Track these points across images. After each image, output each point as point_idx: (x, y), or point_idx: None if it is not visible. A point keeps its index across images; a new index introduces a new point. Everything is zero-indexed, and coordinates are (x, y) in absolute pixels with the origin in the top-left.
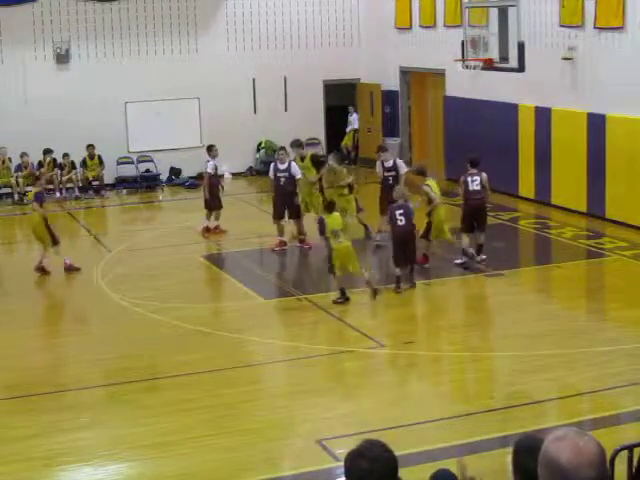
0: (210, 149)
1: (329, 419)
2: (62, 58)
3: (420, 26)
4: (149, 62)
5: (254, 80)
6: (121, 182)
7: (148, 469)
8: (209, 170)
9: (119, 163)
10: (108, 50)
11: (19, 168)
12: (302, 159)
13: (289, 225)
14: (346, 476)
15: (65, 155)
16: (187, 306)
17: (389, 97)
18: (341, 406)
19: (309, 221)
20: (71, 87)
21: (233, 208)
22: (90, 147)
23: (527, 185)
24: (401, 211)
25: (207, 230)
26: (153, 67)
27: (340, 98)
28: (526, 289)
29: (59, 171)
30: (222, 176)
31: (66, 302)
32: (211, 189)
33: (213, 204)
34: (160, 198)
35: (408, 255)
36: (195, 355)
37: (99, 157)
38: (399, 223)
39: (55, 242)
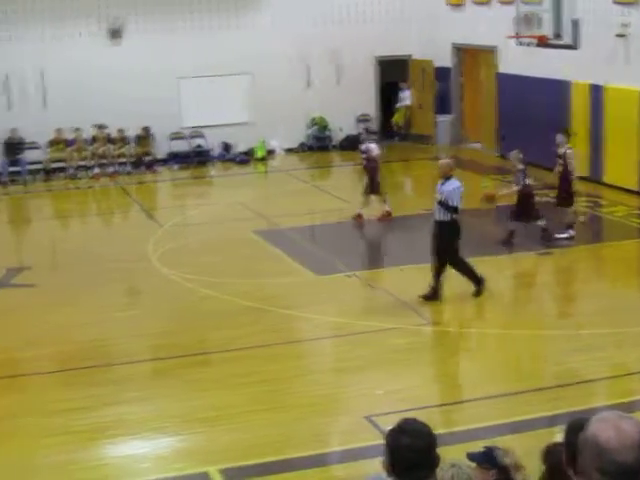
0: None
1: (377, 395)
2: (116, 33)
3: (473, 2)
4: (202, 38)
5: (306, 56)
6: (173, 157)
7: (195, 443)
8: (376, 152)
9: (171, 138)
10: (161, 26)
11: (72, 143)
12: None
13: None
14: (388, 453)
15: (119, 130)
16: (237, 281)
17: (441, 74)
18: (389, 382)
19: None
20: (124, 62)
21: (285, 184)
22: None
23: (579, 163)
24: None
25: (388, 214)
26: (206, 42)
27: (392, 74)
28: (576, 267)
29: (111, 146)
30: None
31: (118, 276)
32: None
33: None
34: (211, 173)
35: None
36: (245, 330)
37: (151, 135)
38: None
39: None
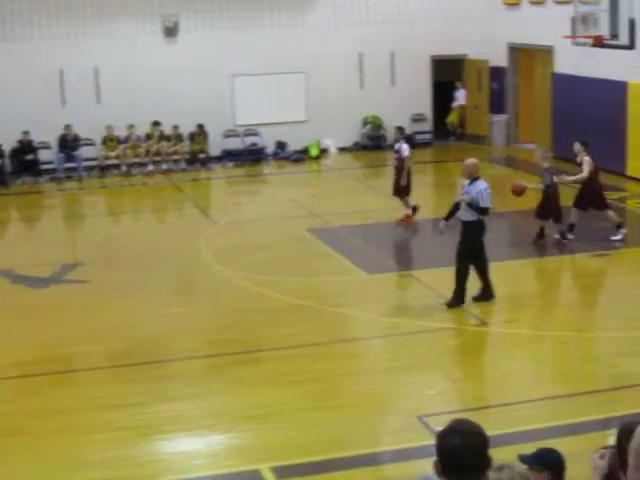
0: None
1: (429, 396)
2: (170, 31)
3: (529, 2)
4: (257, 36)
5: (361, 55)
6: (227, 155)
7: (247, 441)
8: (407, 153)
9: (226, 136)
10: (216, 23)
11: (126, 140)
12: None
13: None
14: (439, 453)
15: (174, 127)
16: (290, 279)
17: (496, 73)
18: (442, 383)
19: None
20: (179, 60)
21: (338, 183)
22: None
23: (635, 164)
24: None
25: (414, 210)
26: (261, 41)
27: (447, 74)
28: (631, 269)
29: (165, 143)
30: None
31: (171, 273)
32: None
33: (403, 190)
34: (265, 171)
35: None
36: (297, 328)
37: (205, 133)
38: None
39: None
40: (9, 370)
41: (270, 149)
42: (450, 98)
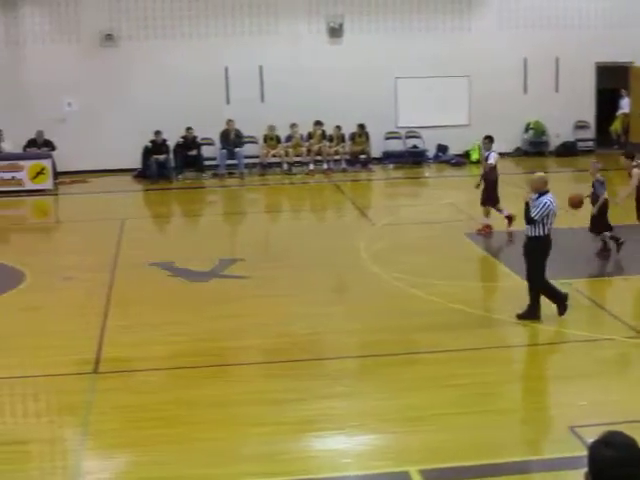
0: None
1: (583, 406)
2: (335, 32)
3: None
4: (421, 38)
5: (525, 60)
6: (388, 156)
7: (397, 442)
8: (492, 161)
9: (387, 138)
10: (381, 25)
11: (289, 139)
12: None
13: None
14: (590, 464)
15: (337, 127)
16: (445, 283)
17: None
18: (596, 394)
19: None
20: (343, 61)
21: (499, 188)
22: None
23: None
24: None
25: (510, 220)
26: (425, 44)
27: (612, 81)
28: None
29: (327, 143)
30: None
31: (329, 272)
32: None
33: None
34: (426, 174)
35: None
36: (450, 333)
37: (366, 134)
38: None
39: None
40: (167, 361)
41: (431, 152)
42: (614, 106)
